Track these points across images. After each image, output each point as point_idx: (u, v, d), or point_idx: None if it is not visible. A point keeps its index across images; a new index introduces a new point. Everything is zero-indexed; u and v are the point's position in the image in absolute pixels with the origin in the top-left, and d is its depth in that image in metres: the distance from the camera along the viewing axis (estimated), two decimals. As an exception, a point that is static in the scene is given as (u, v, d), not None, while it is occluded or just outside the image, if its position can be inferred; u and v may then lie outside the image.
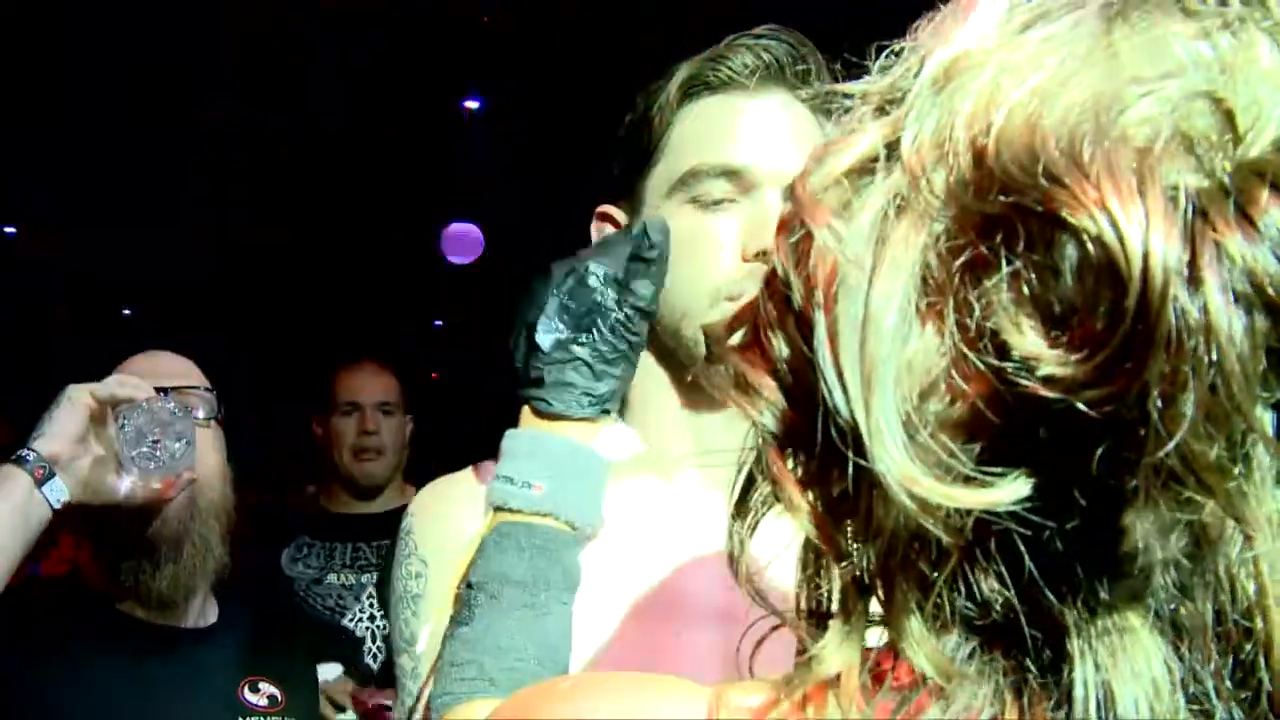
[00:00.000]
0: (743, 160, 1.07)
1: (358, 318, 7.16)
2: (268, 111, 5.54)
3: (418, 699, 1.15)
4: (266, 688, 1.57)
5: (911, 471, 0.45)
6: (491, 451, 1.23)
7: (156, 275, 6.78)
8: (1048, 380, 0.43)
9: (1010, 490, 0.45)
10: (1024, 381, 0.43)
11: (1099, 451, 0.44)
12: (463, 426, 3.09)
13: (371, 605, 2.42)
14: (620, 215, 1.16)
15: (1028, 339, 0.44)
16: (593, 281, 1.02)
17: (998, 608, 0.47)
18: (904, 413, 0.46)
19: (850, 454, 0.47)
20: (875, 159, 0.50)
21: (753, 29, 1.10)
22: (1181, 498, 0.44)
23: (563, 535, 0.98)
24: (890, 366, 0.46)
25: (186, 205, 6.31)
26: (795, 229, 0.52)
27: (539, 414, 1.03)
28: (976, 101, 0.47)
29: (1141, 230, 0.41)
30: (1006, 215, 0.44)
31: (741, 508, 0.58)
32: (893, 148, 0.50)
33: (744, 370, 0.55)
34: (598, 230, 1.18)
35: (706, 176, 1.07)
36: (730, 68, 1.09)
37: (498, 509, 1.01)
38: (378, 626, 2.38)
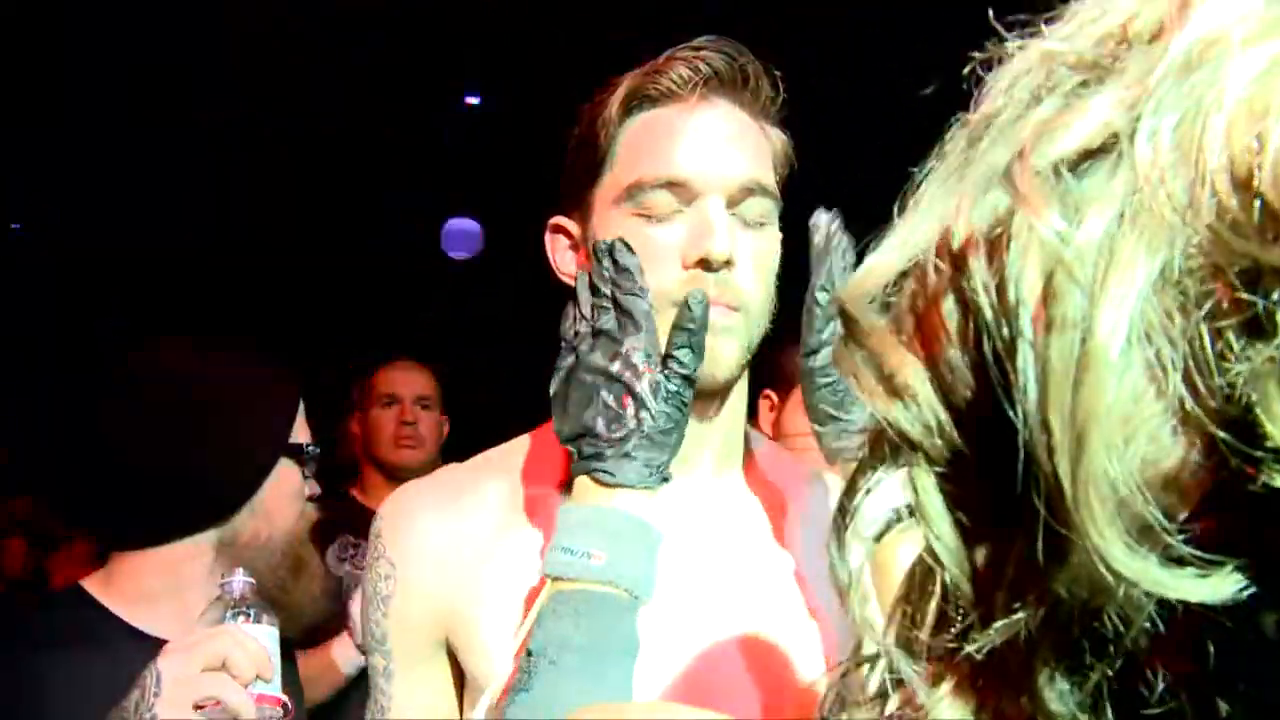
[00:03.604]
0: (683, 172, 1.11)
1: (360, 316, 7.16)
2: (267, 108, 5.55)
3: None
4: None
5: (1116, 545, 0.37)
6: (491, 445, 1.26)
7: (155, 270, 6.79)
8: None
9: (1225, 584, 0.37)
10: (1275, 476, 0.35)
11: None
12: (465, 420, 3.14)
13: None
14: (573, 226, 1.19)
15: None
16: (638, 359, 1.02)
17: (1158, 700, 0.39)
18: (1114, 471, 0.38)
19: (1041, 509, 0.39)
20: (1105, 145, 0.40)
21: (694, 40, 1.14)
22: None
23: (621, 601, 0.99)
24: (1108, 420, 0.37)
25: (185, 205, 6.33)
26: (999, 224, 0.41)
27: (600, 484, 1.03)
28: (1241, 103, 0.37)
29: None
30: None
31: (850, 519, 0.49)
32: (1120, 136, 0.39)
33: (894, 366, 0.44)
34: (552, 241, 1.21)
35: (650, 189, 1.11)
36: (670, 80, 1.12)
37: (555, 579, 1.01)
38: None
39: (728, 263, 1.09)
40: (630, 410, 1.02)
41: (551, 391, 1.07)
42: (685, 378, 1.03)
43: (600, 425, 1.02)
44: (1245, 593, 0.36)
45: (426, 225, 6.56)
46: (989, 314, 0.41)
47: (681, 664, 1.10)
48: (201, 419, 1.49)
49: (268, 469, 1.53)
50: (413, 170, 6.18)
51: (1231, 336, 0.36)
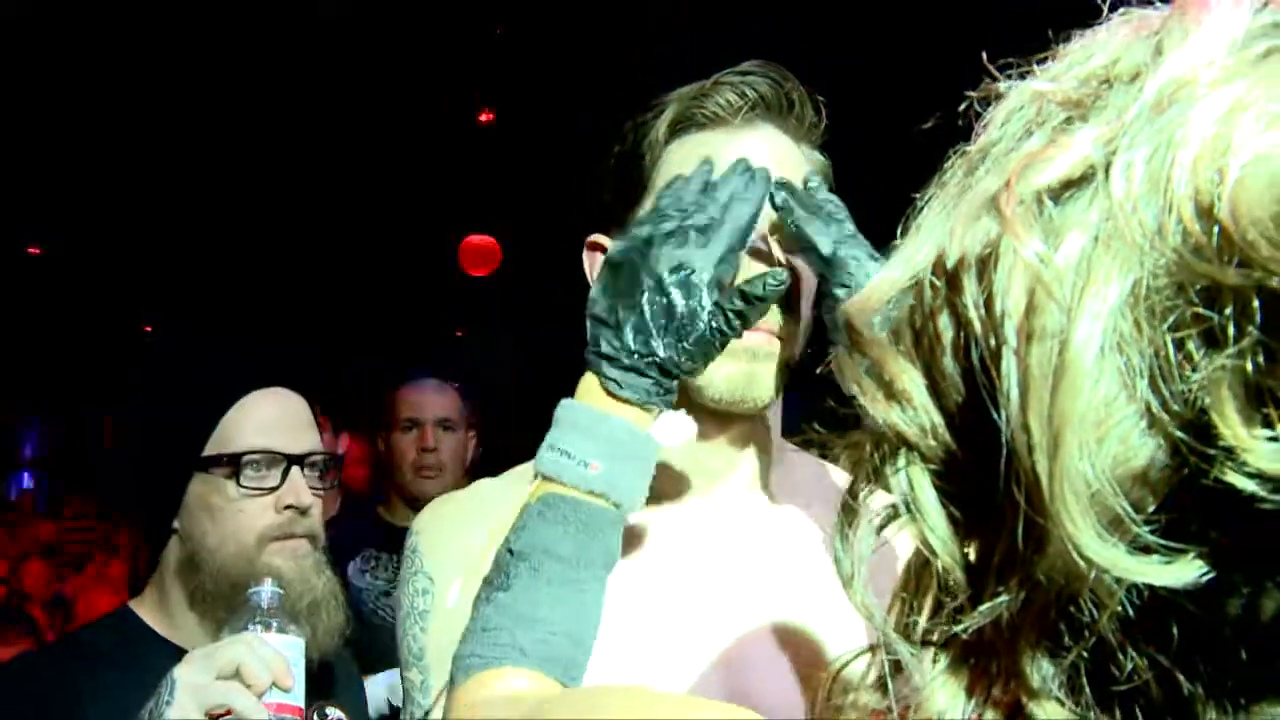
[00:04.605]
0: None
1: (378, 328, 7.20)
2: (289, 122, 5.59)
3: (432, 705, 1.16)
4: (333, 713, 1.53)
5: (1088, 535, 0.41)
6: (516, 461, 1.27)
7: (177, 287, 6.84)
8: (1253, 475, 0.39)
9: (1187, 569, 0.41)
10: (1226, 471, 0.39)
11: None
12: (486, 437, 3.10)
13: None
14: (611, 245, 1.17)
15: (1239, 428, 0.39)
16: (697, 281, 0.99)
17: (1127, 678, 0.44)
18: (1087, 469, 0.41)
19: (1021, 502, 0.43)
20: (1084, 176, 0.44)
21: (738, 65, 1.14)
22: None
23: (609, 514, 0.98)
24: (1082, 424, 0.41)
25: (205, 215, 6.37)
26: (989, 246, 0.45)
27: (606, 391, 1.00)
28: (1206, 140, 0.40)
29: None
30: (1241, 288, 0.38)
31: (853, 515, 0.53)
32: (1100, 167, 0.44)
33: (891, 372, 0.48)
34: (589, 260, 1.20)
35: None
36: (716, 105, 1.12)
37: (546, 479, 0.99)
38: None
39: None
40: (660, 329, 0.98)
41: (608, 254, 1.05)
42: (723, 333, 0.99)
43: (628, 327, 0.99)
44: (1205, 578, 0.41)
45: (445, 239, 6.58)
46: (978, 326, 0.45)
47: (721, 667, 1.11)
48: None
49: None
50: (431, 184, 6.21)
51: (1192, 347, 0.40)
